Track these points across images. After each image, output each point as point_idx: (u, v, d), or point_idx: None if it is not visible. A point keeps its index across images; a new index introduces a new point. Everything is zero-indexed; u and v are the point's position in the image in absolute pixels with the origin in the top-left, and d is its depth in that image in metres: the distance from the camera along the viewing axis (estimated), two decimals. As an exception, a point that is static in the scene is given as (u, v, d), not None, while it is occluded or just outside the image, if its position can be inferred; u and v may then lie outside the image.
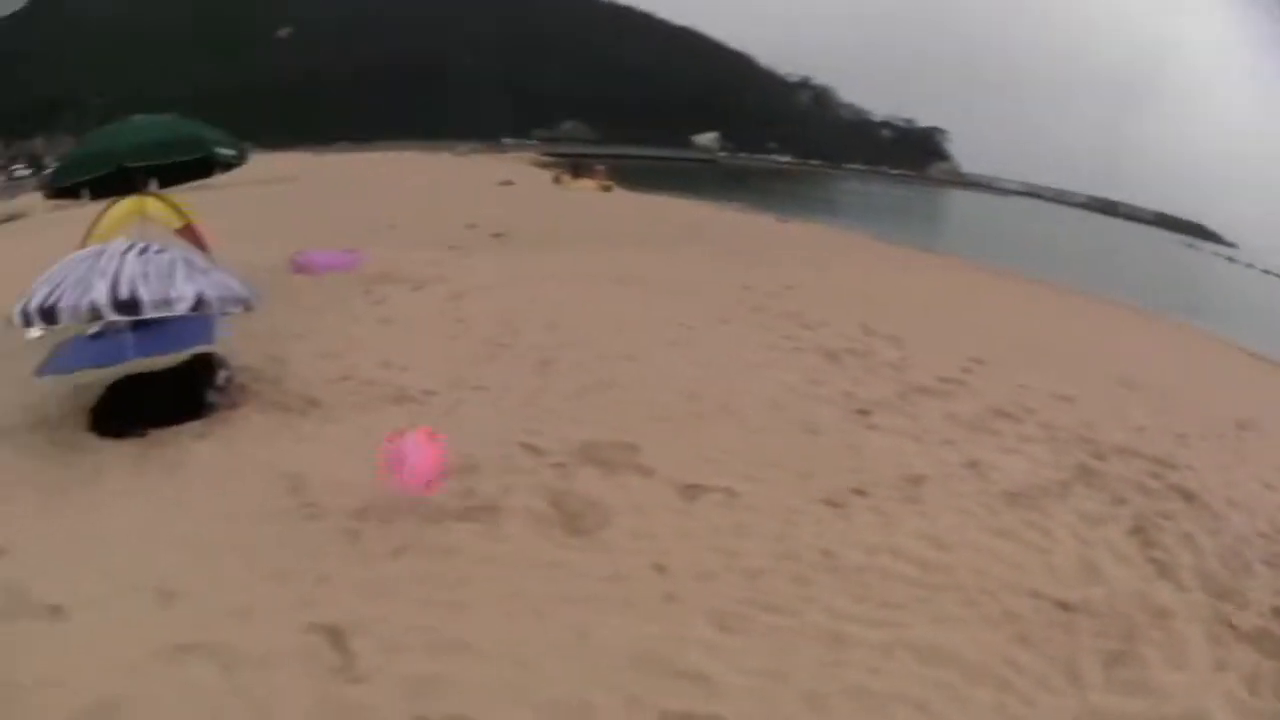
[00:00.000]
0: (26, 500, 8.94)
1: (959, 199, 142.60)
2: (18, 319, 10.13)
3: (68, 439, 10.54)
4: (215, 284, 10.67)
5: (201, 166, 15.07)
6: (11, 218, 66.49)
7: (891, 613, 6.63)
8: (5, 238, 49.06)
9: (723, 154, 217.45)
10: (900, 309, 17.58)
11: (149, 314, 10.08)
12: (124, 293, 9.92)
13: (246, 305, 11.00)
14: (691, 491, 8.50)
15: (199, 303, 10.27)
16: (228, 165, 14.94)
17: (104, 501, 8.76)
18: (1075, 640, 6.52)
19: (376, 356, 13.26)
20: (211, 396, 11.04)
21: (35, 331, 11.58)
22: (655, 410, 10.81)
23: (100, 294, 9.85)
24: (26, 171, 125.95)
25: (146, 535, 7.96)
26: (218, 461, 9.62)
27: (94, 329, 12.17)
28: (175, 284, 10.23)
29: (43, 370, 12.46)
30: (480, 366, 12.66)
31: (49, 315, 9.99)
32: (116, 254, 10.50)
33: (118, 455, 9.88)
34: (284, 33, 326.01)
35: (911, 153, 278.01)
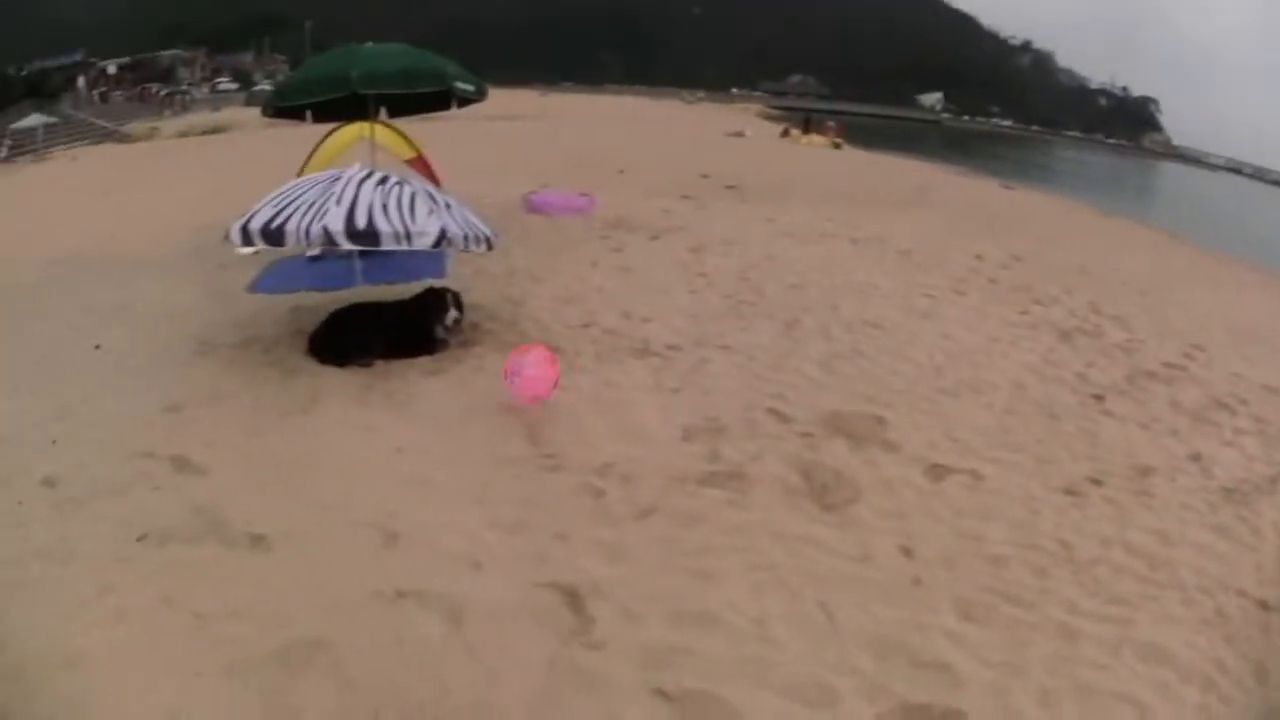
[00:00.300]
0: (232, 420, 8.79)
1: (1169, 171, 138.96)
2: (235, 235, 9.77)
3: (282, 360, 10.43)
4: (458, 220, 10.34)
5: (435, 100, 14.77)
6: (216, 129, 68.02)
7: (1120, 609, 6.31)
8: (212, 149, 49.95)
9: (946, 115, 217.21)
10: (1123, 287, 16.74)
11: (386, 246, 9.72)
12: (361, 222, 9.58)
13: (488, 244, 10.59)
14: (938, 471, 8.08)
15: (441, 238, 9.84)
16: (465, 100, 14.57)
17: (321, 430, 8.58)
18: (1269, 641, 6.17)
19: (617, 305, 13.00)
20: (441, 333, 10.72)
21: (248, 249, 11.26)
22: (901, 383, 10.32)
23: (335, 220, 9.51)
24: (232, 85, 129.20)
25: (368, 470, 7.72)
26: (450, 401, 9.36)
27: (314, 251, 11.92)
28: (417, 218, 9.85)
29: (256, 286, 12.43)
30: (724, 323, 12.21)
31: (273, 236, 9.62)
32: (353, 181, 10.15)
33: (339, 383, 9.71)
34: None
35: (1126, 122, 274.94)
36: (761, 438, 8.53)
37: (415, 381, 9.82)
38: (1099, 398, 10.50)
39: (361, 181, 10.12)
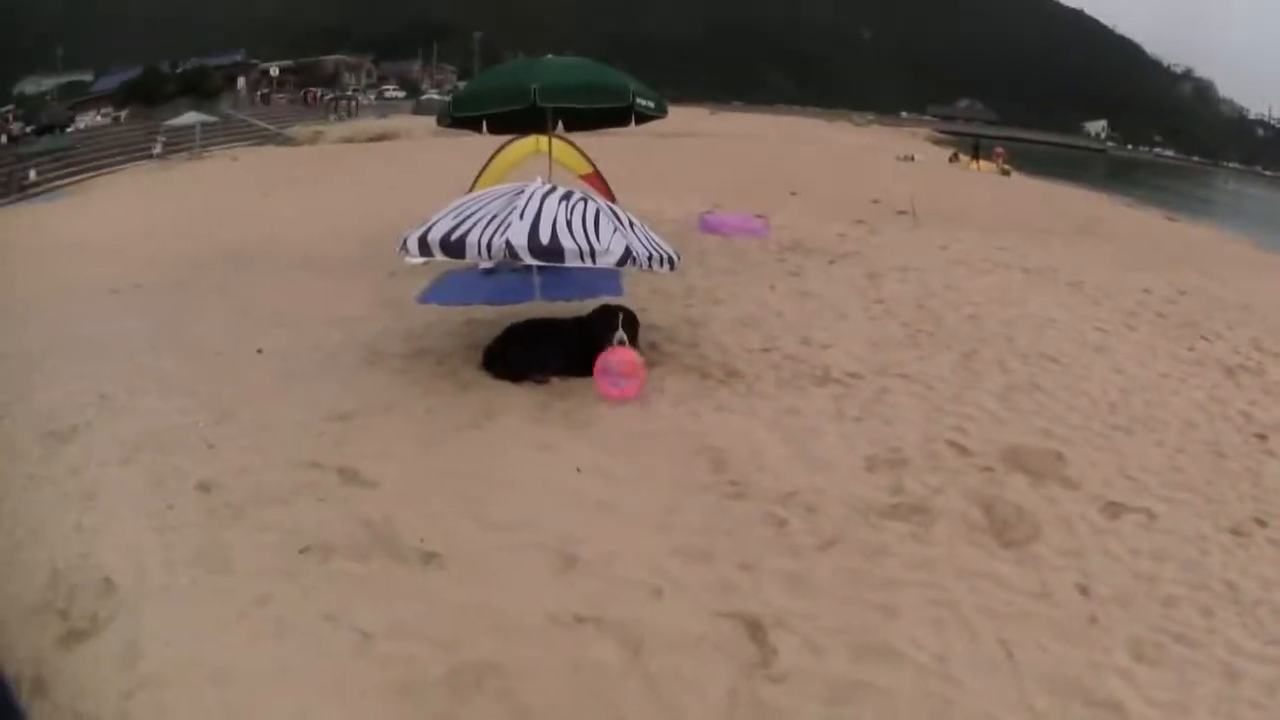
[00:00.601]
0: (404, 432, 8.76)
1: None
2: (413, 245, 9.70)
3: (455, 373, 10.39)
4: (641, 239, 10.19)
5: (613, 115, 14.58)
6: (382, 136, 68.87)
7: (1278, 650, 6.12)
8: (378, 155, 50.48)
9: (1110, 144, 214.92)
10: None
11: (570, 263, 9.54)
12: (545, 237, 9.40)
13: (671, 264, 10.35)
14: (1114, 509, 7.82)
15: (626, 257, 9.64)
16: (643, 117, 14.35)
17: (497, 446, 8.48)
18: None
19: (797, 331, 12.73)
20: None
21: (419, 259, 11.13)
22: (1078, 418, 10.03)
23: (519, 235, 9.34)
24: (399, 93, 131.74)
25: (545, 490, 7.60)
26: (631, 423, 9.20)
27: (488, 264, 11.86)
28: (601, 235, 9.68)
29: (427, 297, 12.34)
30: (903, 352, 11.92)
31: (453, 248, 9.50)
32: (537, 196, 10.02)
33: (514, 400, 9.62)
34: None
35: None
36: (943, 471, 8.36)
37: (594, 401, 9.69)
38: (1262, 437, 10.20)
39: (545, 196, 10.04)
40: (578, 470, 7.94)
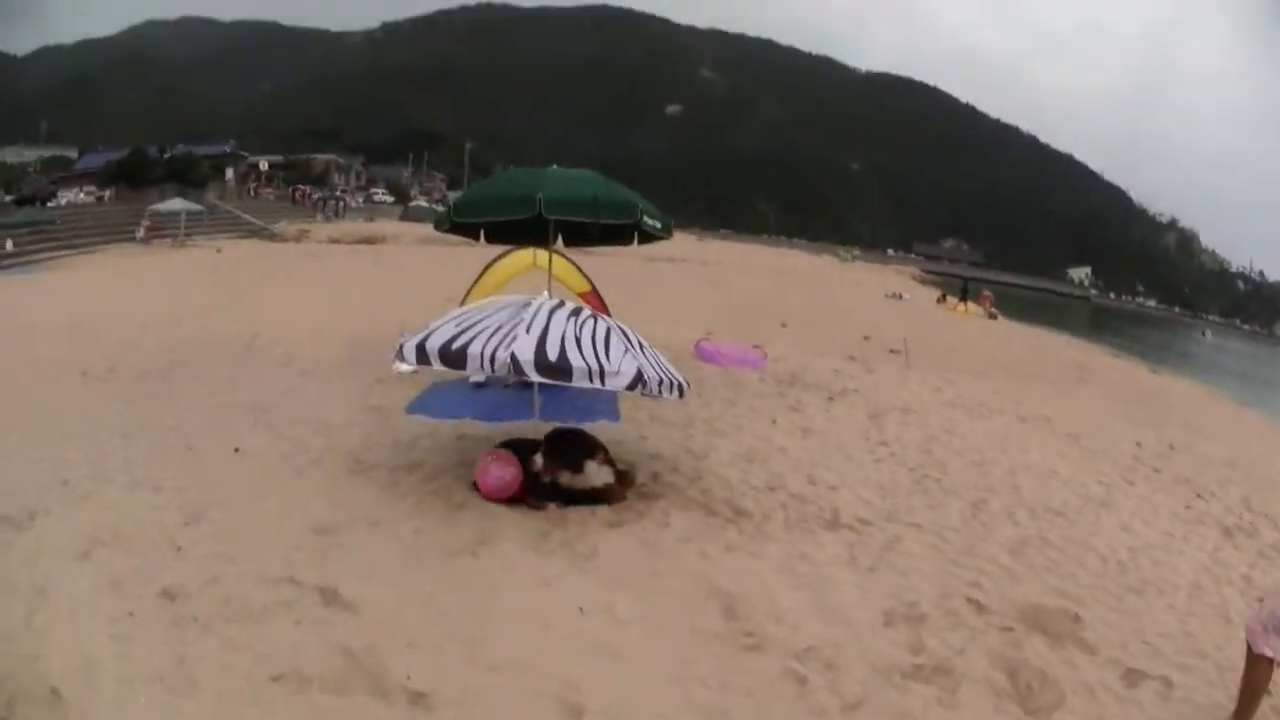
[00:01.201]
0: (391, 551, 8.21)
1: None
2: (409, 353, 9.15)
3: (447, 491, 9.84)
4: (651, 362, 9.74)
5: (614, 233, 14.16)
6: (369, 239, 69.16)
7: None
8: (365, 258, 50.53)
9: (1094, 292, 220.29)
10: (1269, 485, 16.22)
11: (578, 383, 8.94)
12: (552, 354, 8.89)
13: (681, 391, 9.85)
14: (1133, 677, 7.44)
15: (638, 381, 9.12)
16: (648, 238, 14.00)
17: (491, 577, 7.87)
18: None
19: (801, 469, 12.31)
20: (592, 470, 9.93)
21: (408, 367, 10.64)
22: (1089, 577, 9.70)
23: (525, 349, 8.85)
24: (388, 197, 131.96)
25: (545, 629, 6.99)
26: (637, 560, 8.64)
27: (478, 378, 11.37)
28: (612, 356, 9.20)
29: (417, 408, 12.00)
30: (912, 499, 11.57)
31: (453, 358, 8.95)
32: (544, 310, 9.67)
33: (510, 525, 9.04)
34: (674, 109, 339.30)
35: (1261, 307, 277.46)
36: (963, 629, 7.91)
37: (596, 533, 9.09)
38: (1261, 602, 9.92)
39: (553, 311, 9.63)
40: (580, 610, 7.33)
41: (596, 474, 9.88)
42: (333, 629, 6.57)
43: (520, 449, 9.97)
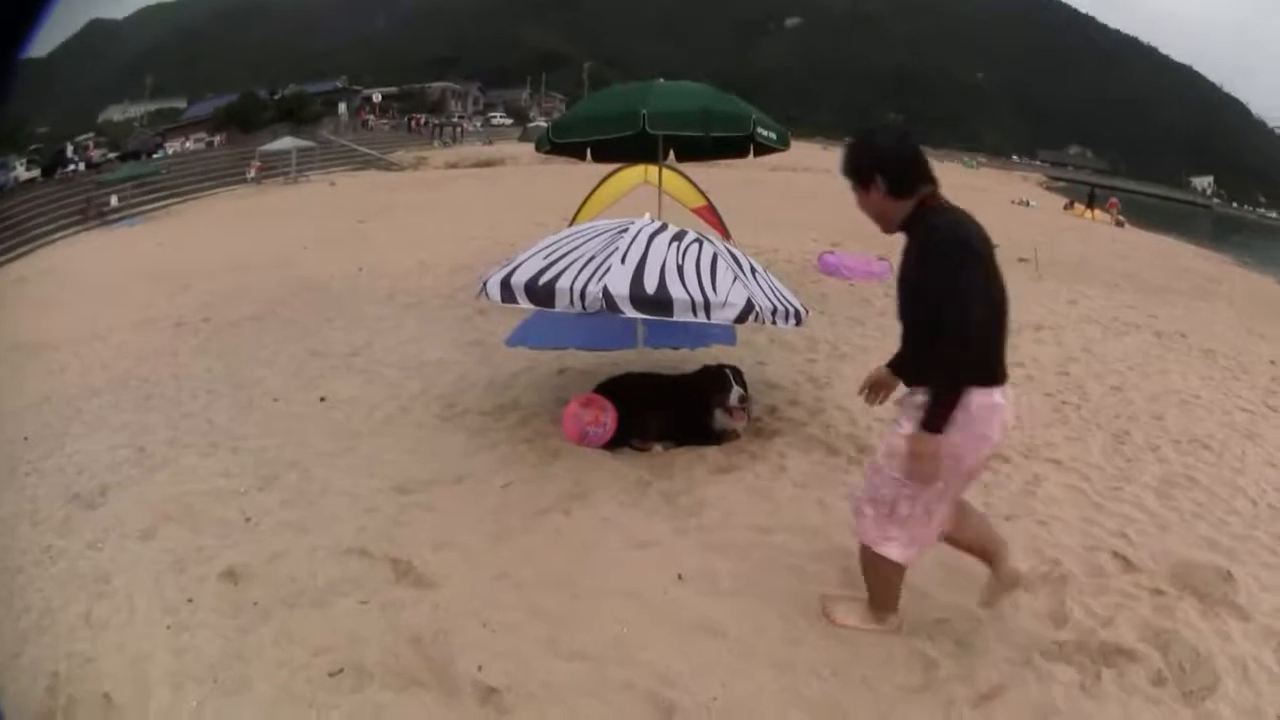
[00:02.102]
0: (474, 513, 7.55)
1: None
2: (494, 291, 8.33)
3: (542, 436, 9.24)
4: (765, 289, 8.83)
5: (729, 146, 13.69)
6: (487, 163, 69.23)
7: None
8: (482, 182, 50.39)
9: (1216, 201, 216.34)
10: None
11: (680, 317, 8.09)
12: (650, 286, 8.05)
13: (799, 319, 8.95)
14: None
15: (748, 313, 8.22)
16: (764, 149, 13.47)
17: (586, 539, 7.14)
18: None
19: (935, 397, 11.45)
20: (722, 420, 9.19)
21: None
22: (1240, 524, 8.68)
23: (619, 282, 8.02)
24: (506, 120, 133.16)
25: (638, 604, 6.21)
26: (747, 513, 7.77)
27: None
28: (719, 285, 8.31)
29: (516, 338, 11.59)
30: (1051, 430, 10.62)
31: (540, 295, 8.12)
32: (643, 235, 8.77)
33: (609, 474, 8.31)
34: (794, 22, 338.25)
35: None
36: (1109, 593, 7.03)
37: (702, 481, 8.32)
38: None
39: (653, 236, 8.79)
40: (679, 578, 6.56)
41: (720, 420, 9.15)
42: (400, 611, 5.94)
43: (618, 390, 9.24)
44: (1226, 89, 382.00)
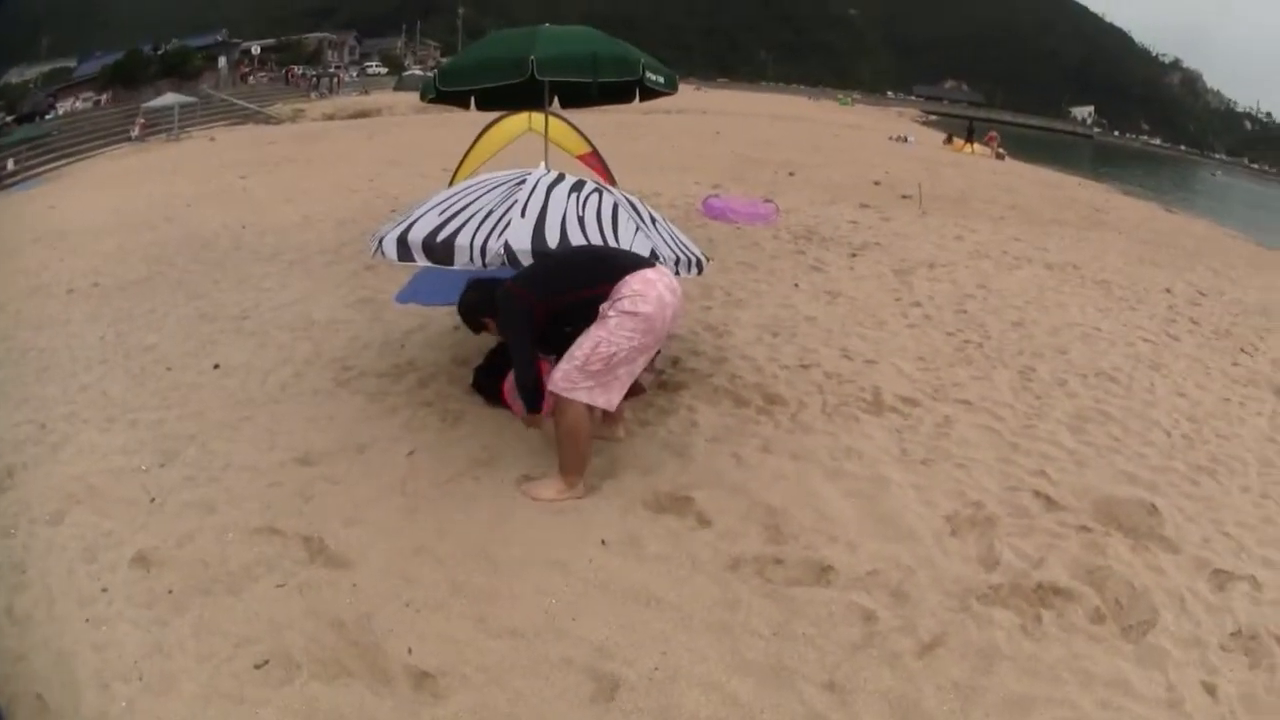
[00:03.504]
0: (381, 483, 7.26)
1: None
2: (389, 248, 8.05)
3: (442, 398, 8.96)
4: (666, 239, 8.74)
5: (615, 91, 13.36)
6: (364, 113, 69.06)
7: None
8: (360, 132, 50.26)
9: (1098, 130, 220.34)
10: None
11: None
12: (552, 239, 7.84)
13: (700, 268, 8.97)
14: (1220, 578, 6.62)
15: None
16: (651, 94, 13.32)
17: (499, 507, 6.88)
18: None
19: (834, 341, 11.43)
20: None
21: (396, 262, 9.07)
22: (1157, 456, 8.83)
23: (520, 236, 7.80)
24: (382, 69, 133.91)
25: (564, 574, 6.02)
26: (663, 473, 7.59)
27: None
28: (620, 236, 8.19)
29: (406, 295, 11.34)
30: (956, 370, 10.67)
31: (439, 252, 7.87)
32: (541, 187, 8.50)
33: (515, 438, 8.03)
34: None
35: (1270, 147, 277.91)
36: (1038, 534, 7.02)
37: (616, 440, 8.07)
38: None
39: (551, 187, 8.53)
40: (602, 543, 6.37)
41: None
42: (320, 593, 5.70)
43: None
44: (1109, 18, 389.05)
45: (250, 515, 6.63)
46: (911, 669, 5.31)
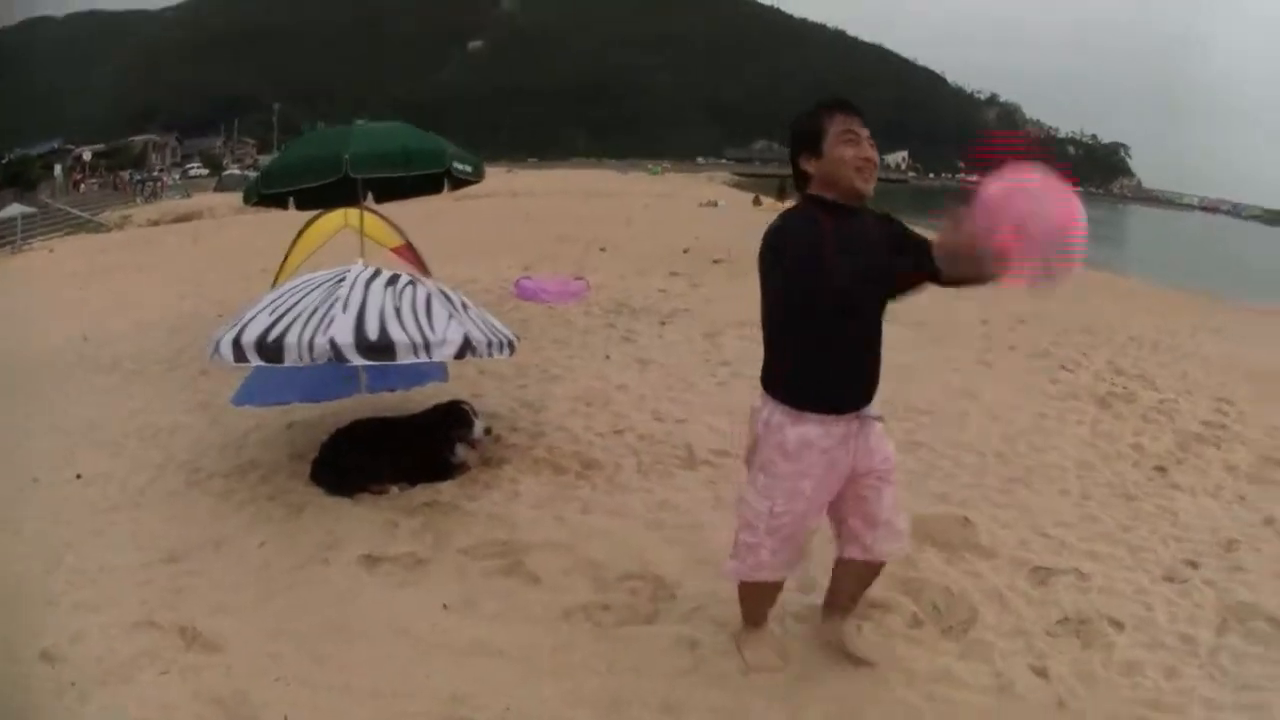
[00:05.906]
0: (239, 573, 7.58)
1: (1141, 215, 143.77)
2: (225, 350, 8.35)
3: (284, 492, 9.21)
4: (478, 323, 9.15)
5: (426, 183, 14.04)
6: (186, 217, 68.00)
7: (1252, 695, 5.90)
8: (184, 237, 49.80)
9: (912, 175, 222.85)
10: (1131, 343, 17.18)
11: (403, 359, 8.29)
12: (372, 332, 8.20)
13: (512, 349, 9.34)
14: (1041, 574, 7.37)
15: (465, 348, 8.54)
16: (460, 183, 13.83)
17: (347, 586, 7.31)
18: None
19: (645, 406, 12.04)
20: (461, 453, 9.46)
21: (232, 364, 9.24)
22: (970, 475, 9.57)
23: (343, 331, 8.14)
24: (203, 171, 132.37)
25: (413, 639, 6.43)
26: (493, 542, 8.04)
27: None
28: (435, 324, 8.53)
29: (241, 398, 11.28)
30: None
31: (271, 351, 8.19)
32: (360, 283, 8.89)
33: (356, 521, 8.44)
34: (476, 45, 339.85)
35: (1096, 169, 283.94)
36: (850, 557, 7.59)
37: (445, 514, 8.53)
38: (1162, 470, 10.22)
39: (369, 282, 8.92)
40: (444, 607, 6.86)
41: (461, 454, 9.48)
42: (199, 675, 6.07)
43: (353, 438, 9.44)
44: (920, 62, 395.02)
45: (129, 611, 6.91)
46: (739, 685, 5.77)
